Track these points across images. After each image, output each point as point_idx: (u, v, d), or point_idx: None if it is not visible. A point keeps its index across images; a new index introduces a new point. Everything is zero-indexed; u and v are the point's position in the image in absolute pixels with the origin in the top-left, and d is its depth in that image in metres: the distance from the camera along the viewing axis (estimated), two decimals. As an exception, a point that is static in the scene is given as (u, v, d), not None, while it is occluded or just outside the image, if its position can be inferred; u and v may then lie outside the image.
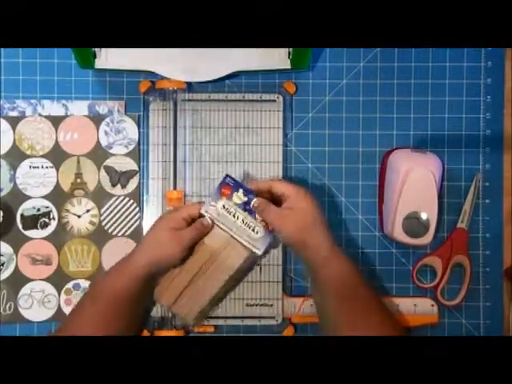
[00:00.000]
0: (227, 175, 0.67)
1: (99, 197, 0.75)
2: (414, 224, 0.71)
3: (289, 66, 0.73)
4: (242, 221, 0.67)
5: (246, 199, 0.67)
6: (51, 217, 0.75)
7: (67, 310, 0.74)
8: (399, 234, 0.71)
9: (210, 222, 0.67)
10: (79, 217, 0.75)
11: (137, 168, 0.75)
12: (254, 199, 0.66)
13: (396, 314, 0.73)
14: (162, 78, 0.73)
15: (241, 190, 0.67)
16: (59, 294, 0.75)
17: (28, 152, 0.75)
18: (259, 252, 0.67)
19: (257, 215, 0.67)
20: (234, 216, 0.67)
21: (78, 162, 0.75)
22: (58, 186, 0.75)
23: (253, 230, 0.67)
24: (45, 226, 0.75)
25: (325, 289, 0.65)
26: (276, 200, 0.67)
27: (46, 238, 0.75)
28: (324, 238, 0.65)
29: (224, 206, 0.66)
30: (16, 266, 0.74)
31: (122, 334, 0.65)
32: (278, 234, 0.67)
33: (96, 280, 0.71)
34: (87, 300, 0.67)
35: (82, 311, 0.66)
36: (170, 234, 0.65)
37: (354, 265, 0.66)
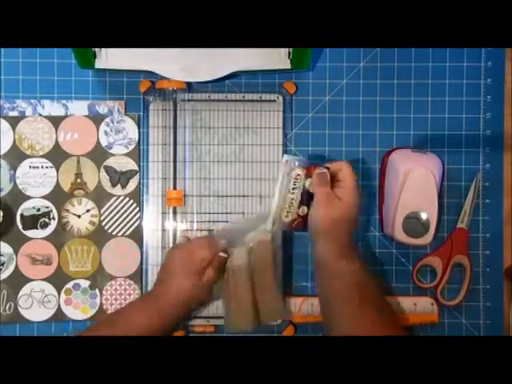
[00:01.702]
0: (327, 167, 0.66)
1: (99, 197, 0.75)
2: (414, 224, 0.71)
3: (289, 66, 0.73)
4: (291, 200, 0.66)
5: (311, 192, 0.66)
6: (51, 217, 0.75)
7: (67, 310, 0.74)
8: (399, 234, 0.71)
9: (225, 256, 0.68)
10: (79, 217, 0.75)
11: (137, 168, 0.75)
12: (322, 170, 0.65)
13: (398, 314, 0.72)
14: (162, 77, 0.73)
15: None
16: (59, 294, 0.75)
17: (28, 152, 0.75)
18: (268, 228, 0.68)
19: (308, 184, 0.66)
20: (292, 189, 0.66)
21: (78, 162, 0.75)
22: (57, 186, 0.75)
23: (287, 213, 0.67)
24: (45, 225, 0.75)
25: (332, 283, 0.64)
26: (334, 178, 0.67)
27: (45, 238, 0.75)
28: (348, 237, 0.65)
29: (297, 176, 0.66)
30: (16, 266, 0.74)
31: None
32: (314, 214, 0.66)
33: (114, 314, 0.71)
34: (102, 331, 0.66)
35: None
36: (190, 279, 0.66)
37: (365, 266, 0.66)
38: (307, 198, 0.66)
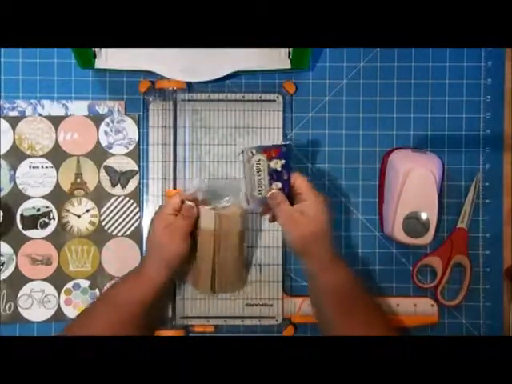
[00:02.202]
0: (286, 146, 0.67)
1: (99, 197, 0.75)
2: (414, 224, 0.71)
3: (289, 66, 0.73)
4: (259, 180, 0.66)
5: (280, 170, 0.66)
6: (51, 217, 0.75)
7: (67, 310, 0.74)
8: (399, 234, 0.71)
9: (192, 204, 0.67)
10: (79, 217, 0.75)
11: (137, 168, 0.75)
12: (273, 190, 0.66)
13: (396, 315, 0.73)
14: (162, 77, 0.73)
15: (283, 162, 0.66)
16: (59, 294, 0.75)
17: (28, 152, 0.75)
18: (246, 206, 0.69)
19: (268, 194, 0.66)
20: (257, 172, 0.66)
21: (78, 161, 0.75)
22: (57, 186, 0.75)
23: (259, 190, 0.67)
24: (45, 225, 0.75)
25: (322, 296, 0.65)
26: (293, 194, 0.66)
27: (45, 238, 0.75)
28: (325, 249, 0.65)
29: (259, 161, 0.66)
30: (16, 266, 0.74)
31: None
32: (283, 233, 0.67)
33: (110, 289, 0.70)
34: (100, 307, 0.66)
35: (93, 317, 0.65)
36: (164, 233, 0.65)
37: (352, 274, 0.66)
38: (277, 175, 0.66)
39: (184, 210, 0.67)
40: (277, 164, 0.66)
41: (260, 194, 0.67)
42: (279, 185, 0.66)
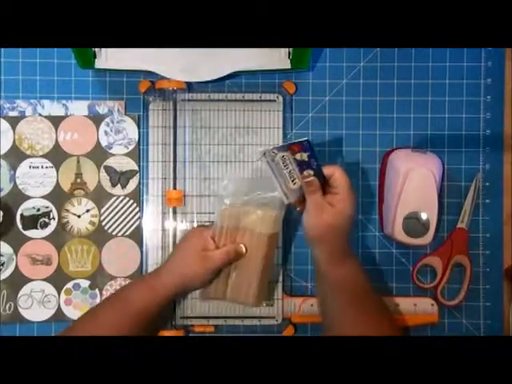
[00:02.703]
0: (308, 140, 0.64)
1: (99, 197, 0.75)
2: (414, 224, 0.71)
3: (289, 66, 0.73)
4: (290, 172, 0.65)
5: (306, 160, 0.65)
6: (51, 217, 0.75)
7: (67, 310, 0.74)
8: (399, 234, 0.71)
9: (244, 250, 0.68)
10: (79, 217, 0.75)
11: (137, 168, 0.75)
12: (310, 178, 0.64)
13: (396, 315, 0.73)
14: (162, 77, 0.73)
15: (308, 153, 0.64)
16: (59, 294, 0.74)
17: (28, 152, 0.75)
18: (286, 201, 0.67)
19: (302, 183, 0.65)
20: (284, 166, 0.65)
21: (78, 162, 0.75)
22: (57, 186, 0.75)
23: (292, 181, 0.66)
24: (45, 226, 0.75)
25: (331, 290, 0.65)
26: (327, 185, 0.65)
27: (45, 238, 0.75)
28: (342, 243, 0.65)
29: (283, 157, 0.65)
30: (16, 266, 0.74)
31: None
32: (304, 219, 0.65)
33: (120, 290, 0.70)
34: (106, 308, 0.67)
35: (98, 317, 0.65)
36: (198, 256, 0.66)
37: (363, 271, 0.66)
38: (306, 164, 0.65)
39: (233, 249, 0.67)
40: (302, 156, 0.65)
41: (295, 183, 0.65)
42: (311, 172, 0.65)
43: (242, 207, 0.68)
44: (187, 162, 0.75)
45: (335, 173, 0.64)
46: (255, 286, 0.68)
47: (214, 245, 0.67)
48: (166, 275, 0.66)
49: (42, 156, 0.75)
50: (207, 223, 0.73)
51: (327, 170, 0.64)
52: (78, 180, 0.75)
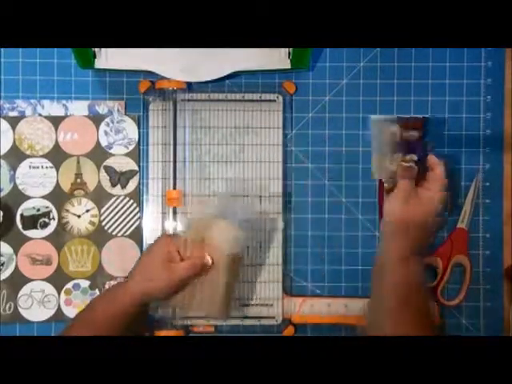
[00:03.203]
0: (425, 118, 0.63)
1: (99, 197, 0.75)
2: (414, 224, 0.71)
3: (289, 66, 0.73)
4: (392, 149, 0.64)
5: (415, 142, 0.64)
6: (51, 217, 0.75)
7: (67, 310, 0.74)
8: (399, 234, 0.71)
9: (210, 262, 0.65)
10: (79, 217, 0.75)
11: (137, 168, 0.75)
12: (410, 163, 0.63)
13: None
14: (162, 77, 0.73)
15: (420, 134, 0.64)
16: (59, 294, 0.74)
17: (28, 152, 0.75)
18: (373, 177, 0.67)
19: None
20: (390, 142, 0.64)
21: (78, 162, 0.75)
22: (57, 186, 0.75)
23: (390, 161, 0.65)
24: (45, 226, 0.75)
25: (395, 285, 0.63)
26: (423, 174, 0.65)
27: (45, 238, 0.75)
28: (417, 240, 0.64)
29: (393, 132, 0.64)
30: (16, 266, 0.74)
31: None
32: (387, 205, 0.65)
33: (89, 305, 0.68)
34: (79, 323, 0.65)
35: (73, 333, 0.64)
36: (163, 267, 0.64)
37: (424, 274, 0.65)
38: (411, 147, 0.64)
39: (199, 260, 0.65)
40: (412, 136, 0.63)
41: (392, 164, 0.64)
42: (415, 157, 0.64)
43: (207, 221, 0.66)
44: (187, 162, 0.75)
45: (436, 169, 0.63)
46: (219, 301, 0.66)
47: (178, 256, 0.65)
48: (132, 283, 0.64)
49: (42, 156, 0.75)
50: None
51: (430, 161, 0.63)
52: (78, 180, 0.75)
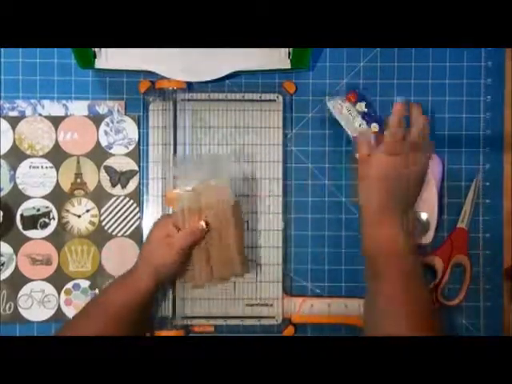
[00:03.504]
0: (356, 88, 0.73)
1: (99, 197, 0.75)
2: (414, 224, 0.71)
3: (289, 66, 0.73)
4: (360, 125, 0.72)
5: (366, 110, 0.71)
6: (51, 217, 0.75)
7: (67, 310, 0.74)
8: (399, 234, 0.71)
9: (204, 225, 0.67)
10: (79, 217, 0.75)
11: (137, 168, 0.75)
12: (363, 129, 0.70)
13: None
14: (162, 77, 0.73)
15: (364, 103, 0.72)
16: (59, 294, 0.74)
17: (28, 152, 0.75)
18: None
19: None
20: (353, 119, 0.72)
21: (78, 162, 0.75)
22: (57, 186, 0.75)
23: None
24: (45, 226, 0.75)
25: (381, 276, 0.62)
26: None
27: (45, 238, 0.75)
28: (401, 205, 0.64)
29: (348, 109, 0.72)
30: (16, 266, 0.74)
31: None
32: (364, 182, 0.65)
33: (99, 293, 0.71)
34: (89, 311, 0.67)
35: (82, 322, 0.65)
36: (163, 244, 0.66)
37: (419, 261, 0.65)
38: (368, 117, 0.72)
39: (195, 227, 0.67)
40: (361, 106, 0.71)
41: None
42: (377, 126, 0.71)
43: (197, 187, 0.68)
44: (187, 161, 0.75)
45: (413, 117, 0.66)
46: (237, 255, 0.69)
47: (176, 230, 0.67)
48: (140, 269, 0.67)
49: (42, 156, 0.75)
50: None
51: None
52: (78, 180, 0.75)
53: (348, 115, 0.72)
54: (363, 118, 0.72)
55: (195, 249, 0.68)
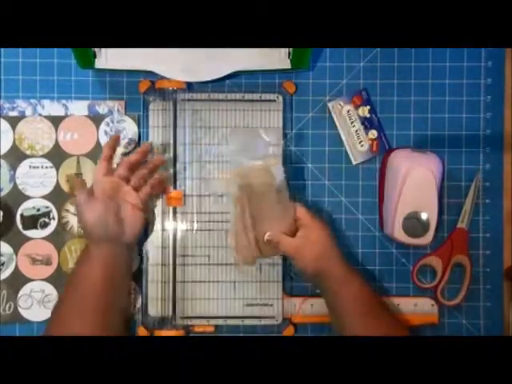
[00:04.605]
0: (365, 88, 0.72)
1: (99, 197, 0.75)
2: (414, 224, 0.71)
3: (289, 66, 0.73)
4: (356, 131, 0.72)
5: (368, 116, 0.72)
6: (51, 217, 0.75)
7: (67, 310, 0.74)
8: (399, 234, 0.71)
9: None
10: (79, 217, 0.75)
11: (137, 168, 0.75)
12: (268, 233, 0.67)
13: (397, 315, 0.73)
14: (162, 77, 0.73)
15: (368, 107, 0.72)
16: (59, 294, 0.74)
17: (28, 152, 0.75)
18: (354, 162, 0.74)
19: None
20: (351, 123, 0.72)
21: (78, 162, 0.75)
22: (58, 186, 0.75)
23: (360, 143, 0.72)
24: (45, 225, 0.75)
25: (345, 309, 0.66)
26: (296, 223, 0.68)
27: (45, 238, 0.75)
28: (338, 264, 0.66)
29: (348, 111, 0.72)
30: (16, 266, 0.74)
31: (110, 326, 0.65)
32: (294, 263, 0.68)
33: (69, 276, 0.71)
34: (66, 296, 0.67)
35: (63, 309, 0.66)
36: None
37: (365, 281, 0.68)
38: (369, 122, 0.72)
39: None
40: (364, 111, 0.71)
41: (362, 146, 0.72)
42: (375, 133, 0.72)
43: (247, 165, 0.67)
44: (187, 162, 0.75)
45: (296, 211, 0.67)
46: (247, 245, 0.67)
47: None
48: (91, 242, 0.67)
49: (42, 156, 0.75)
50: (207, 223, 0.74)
51: (297, 213, 0.67)
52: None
53: (346, 118, 0.72)
54: (363, 123, 0.72)
55: (239, 227, 0.67)
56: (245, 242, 0.67)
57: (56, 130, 0.75)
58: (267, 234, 0.66)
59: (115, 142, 0.68)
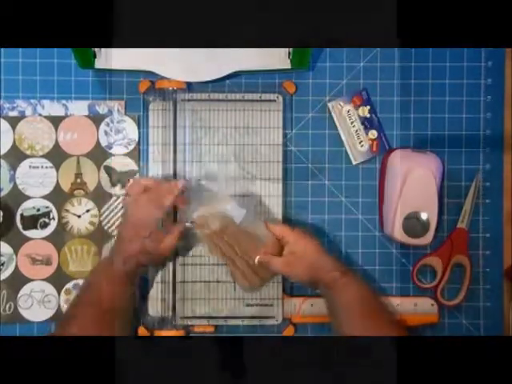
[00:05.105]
0: (365, 88, 0.72)
1: (99, 197, 0.75)
2: (414, 224, 0.71)
3: (289, 66, 0.73)
4: (356, 131, 0.72)
5: (368, 116, 0.72)
6: (51, 217, 0.75)
7: (67, 310, 0.74)
8: (399, 234, 0.71)
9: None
10: (79, 217, 0.75)
11: (137, 168, 0.75)
12: (257, 257, 0.68)
13: (397, 315, 0.73)
14: (162, 77, 0.73)
15: (368, 107, 0.72)
16: (59, 294, 0.74)
17: (28, 152, 0.75)
18: (354, 162, 0.74)
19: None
20: (351, 123, 0.73)
21: (78, 162, 0.75)
22: (57, 186, 0.75)
23: (360, 143, 0.73)
24: (45, 226, 0.75)
25: (345, 311, 0.65)
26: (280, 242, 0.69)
27: (45, 238, 0.75)
28: (331, 270, 0.66)
29: (348, 111, 0.72)
30: (16, 266, 0.74)
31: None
32: (288, 279, 0.70)
33: (83, 284, 0.70)
34: (77, 304, 0.67)
35: (73, 316, 0.65)
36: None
37: (363, 280, 0.68)
38: (369, 122, 0.72)
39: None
40: (364, 111, 0.71)
41: (362, 146, 0.72)
42: (375, 133, 0.72)
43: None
44: (187, 162, 0.75)
45: (275, 231, 0.68)
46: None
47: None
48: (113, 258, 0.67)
49: (42, 156, 0.75)
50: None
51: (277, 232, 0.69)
52: (78, 180, 0.75)
53: (346, 118, 0.72)
54: (363, 123, 0.72)
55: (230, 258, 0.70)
56: (238, 270, 0.70)
57: (56, 130, 0.75)
58: (256, 258, 0.68)
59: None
